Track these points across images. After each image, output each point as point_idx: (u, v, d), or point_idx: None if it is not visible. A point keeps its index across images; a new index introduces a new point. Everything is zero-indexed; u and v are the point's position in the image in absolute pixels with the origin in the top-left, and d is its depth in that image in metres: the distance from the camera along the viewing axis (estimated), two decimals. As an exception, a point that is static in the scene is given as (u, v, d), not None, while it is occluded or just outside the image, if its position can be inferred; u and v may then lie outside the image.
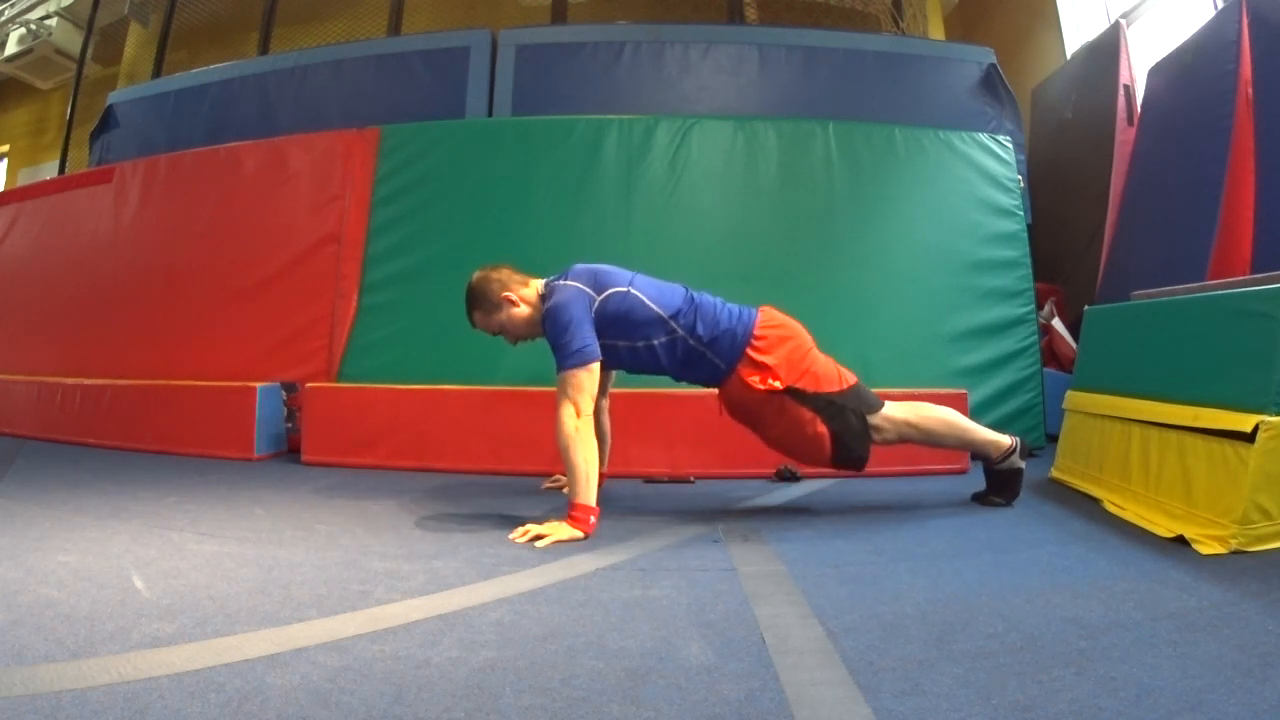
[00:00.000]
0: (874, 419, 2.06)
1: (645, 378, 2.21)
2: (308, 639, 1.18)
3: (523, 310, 2.09)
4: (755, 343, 2.02)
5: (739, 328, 2.03)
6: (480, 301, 2.12)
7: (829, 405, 2.01)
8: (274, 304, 3.61)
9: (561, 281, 2.06)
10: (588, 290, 2.02)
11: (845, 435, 2.02)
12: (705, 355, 2.04)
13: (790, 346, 2.04)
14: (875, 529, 1.98)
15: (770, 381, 1.99)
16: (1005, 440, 2.17)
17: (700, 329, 2.03)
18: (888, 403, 2.10)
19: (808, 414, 2.01)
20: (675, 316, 2.03)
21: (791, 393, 2.00)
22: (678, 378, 2.14)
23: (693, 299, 2.08)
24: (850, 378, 2.08)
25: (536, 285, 2.13)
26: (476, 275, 2.14)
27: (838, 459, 2.05)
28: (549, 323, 2.01)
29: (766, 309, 2.12)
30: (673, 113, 3.95)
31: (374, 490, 2.53)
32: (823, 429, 2.02)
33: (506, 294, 2.09)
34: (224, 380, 3.41)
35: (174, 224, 3.92)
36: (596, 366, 1.95)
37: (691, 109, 4.07)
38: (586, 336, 1.95)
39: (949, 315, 3.32)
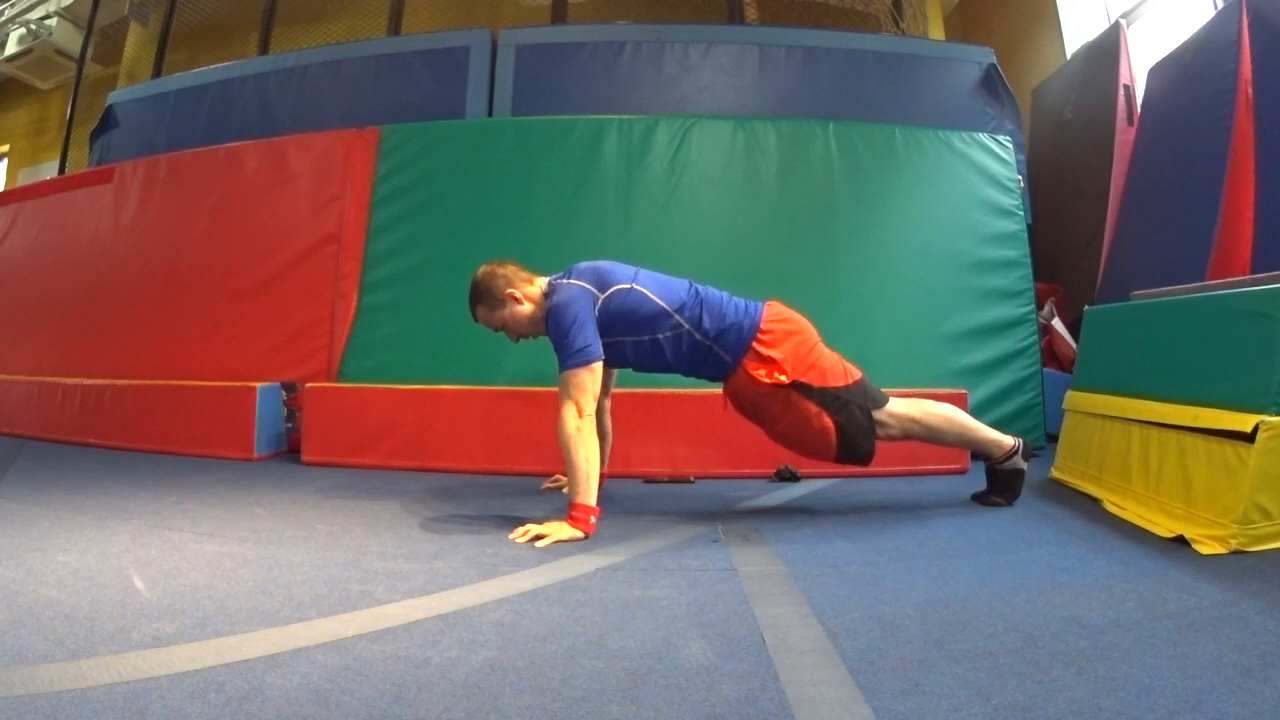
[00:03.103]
0: (879, 414, 2.06)
1: (646, 376, 2.21)
2: (308, 639, 1.18)
3: (526, 308, 2.09)
4: (762, 336, 2.02)
5: (745, 321, 2.03)
6: (484, 296, 2.11)
7: (835, 400, 2.01)
8: (274, 304, 3.60)
9: (565, 280, 2.06)
10: (591, 288, 2.02)
11: (851, 429, 2.02)
12: (712, 349, 2.04)
13: (796, 340, 2.04)
14: (875, 529, 1.98)
15: (776, 375, 1.99)
16: (1008, 440, 2.17)
17: (706, 322, 2.03)
18: (892, 399, 2.10)
19: (814, 408, 2.01)
20: (680, 310, 2.03)
21: (798, 387, 2.00)
22: (685, 373, 2.13)
23: (698, 292, 2.08)
24: (856, 373, 2.08)
25: (541, 283, 2.13)
26: (482, 270, 2.13)
27: (843, 454, 2.05)
28: (552, 321, 2.00)
29: (773, 304, 2.13)
30: (673, 113, 3.95)
31: (374, 490, 2.53)
32: (829, 423, 2.01)
33: (511, 290, 2.09)
34: (224, 380, 3.41)
35: (174, 224, 3.92)
36: (599, 366, 1.95)
37: (691, 109, 4.07)
38: (589, 337, 1.95)
39: (949, 315, 3.32)
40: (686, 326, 2.03)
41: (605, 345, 1.99)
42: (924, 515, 2.13)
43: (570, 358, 1.93)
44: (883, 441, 2.10)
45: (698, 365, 2.09)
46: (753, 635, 1.21)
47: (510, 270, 2.12)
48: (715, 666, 1.09)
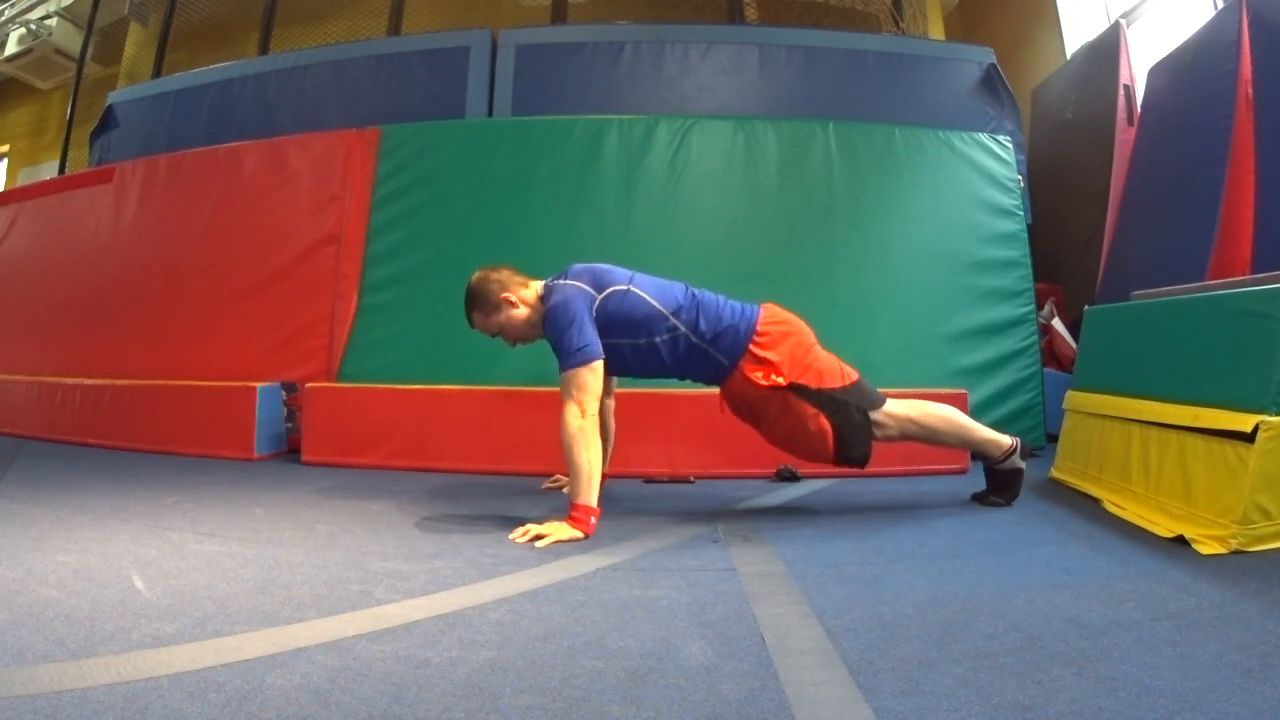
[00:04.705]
0: (876, 415, 2.05)
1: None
2: (308, 639, 1.18)
3: (521, 311, 2.09)
4: (758, 339, 2.02)
5: (741, 324, 2.03)
6: (479, 302, 2.10)
7: (831, 401, 2.01)
8: (274, 304, 3.60)
9: (561, 281, 2.06)
10: (588, 289, 2.02)
11: (847, 431, 2.01)
12: (708, 352, 2.04)
13: (793, 342, 2.04)
14: (875, 529, 1.98)
15: (773, 377, 1.99)
16: (1006, 440, 2.17)
17: (703, 325, 2.02)
18: (890, 399, 2.10)
19: (810, 410, 2.00)
20: (677, 313, 2.03)
21: (795, 389, 2.00)
22: (681, 375, 2.12)
23: (694, 295, 2.08)
24: (853, 374, 2.08)
25: (536, 287, 2.12)
26: (476, 275, 2.13)
27: (840, 456, 2.04)
28: (550, 323, 2.00)
29: (769, 306, 2.12)
30: (673, 113, 3.95)
31: (374, 490, 2.53)
32: (826, 425, 2.01)
33: (506, 295, 2.08)
34: (224, 380, 3.41)
35: (174, 224, 3.92)
36: (599, 365, 1.94)
37: (691, 109, 4.07)
38: (588, 335, 1.95)
39: (949, 315, 3.32)
40: (683, 329, 2.03)
41: (603, 347, 1.99)
42: (924, 515, 2.13)
43: (570, 357, 1.93)
44: (881, 443, 2.10)
45: (694, 368, 2.09)
46: (753, 635, 1.21)
47: (505, 275, 2.11)
48: (715, 666, 1.09)
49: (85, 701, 0.95)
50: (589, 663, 1.10)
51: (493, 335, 2.17)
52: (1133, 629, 1.20)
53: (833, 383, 2.02)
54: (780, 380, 1.99)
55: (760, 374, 2.00)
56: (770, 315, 2.08)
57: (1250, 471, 1.65)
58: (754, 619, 1.29)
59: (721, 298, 2.11)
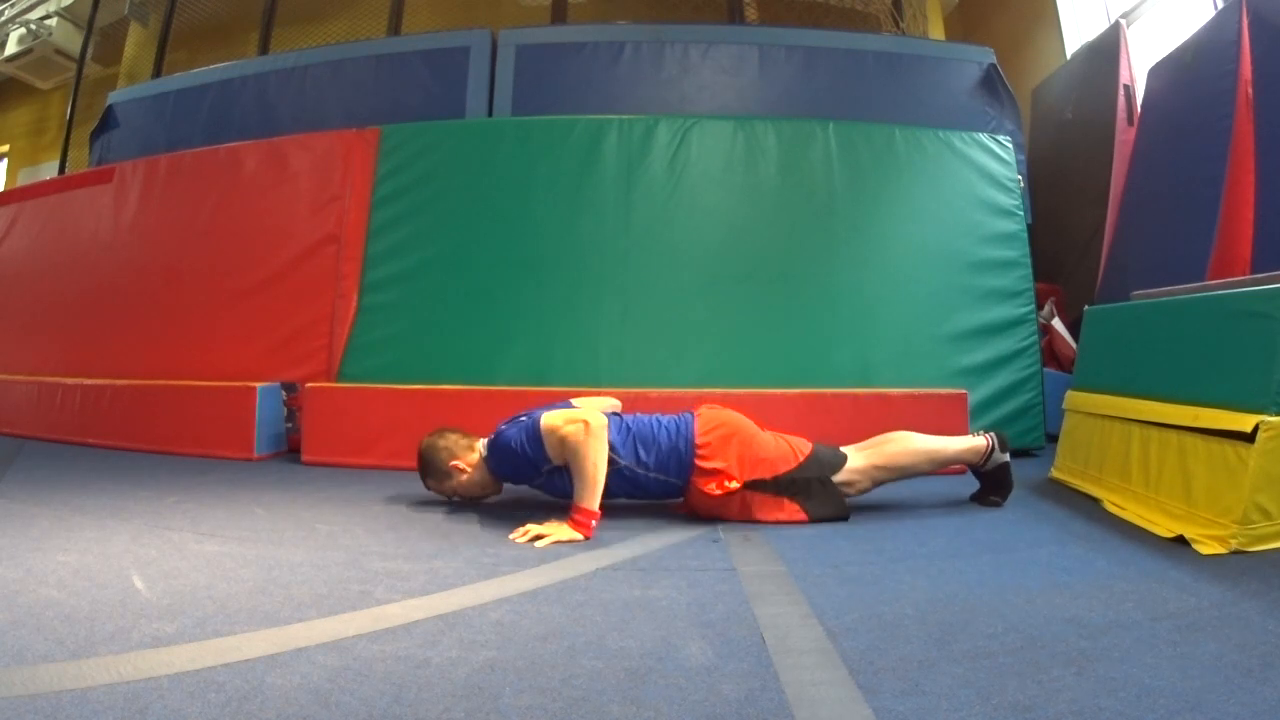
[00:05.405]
0: (840, 476, 2.07)
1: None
2: (308, 639, 1.18)
3: (469, 474, 2.17)
4: (700, 451, 2.03)
5: (680, 443, 2.04)
6: (431, 470, 2.20)
7: (791, 484, 2.04)
8: (274, 304, 3.60)
9: (496, 433, 2.12)
10: (524, 424, 2.06)
11: (814, 505, 2.04)
12: (658, 479, 2.06)
13: (736, 443, 2.05)
14: (875, 529, 1.98)
15: (726, 484, 2.00)
16: (980, 442, 2.18)
17: (643, 455, 2.04)
18: (850, 454, 2.11)
19: (772, 500, 2.04)
20: (617, 451, 2.03)
21: (750, 485, 2.02)
22: (634, 498, 2.14)
23: (628, 428, 2.09)
24: (804, 448, 2.09)
25: (480, 447, 2.18)
26: (425, 443, 2.21)
27: (814, 521, 2.05)
28: (499, 458, 2.09)
29: (702, 411, 2.13)
30: (673, 113, 3.95)
31: (374, 490, 2.53)
32: (792, 505, 2.04)
33: (454, 462, 2.16)
34: (224, 380, 3.41)
35: (174, 224, 3.92)
36: (558, 410, 2.01)
37: (691, 109, 4.07)
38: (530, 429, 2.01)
39: (949, 315, 3.32)
40: (625, 463, 2.04)
41: (552, 480, 2.04)
42: (924, 515, 2.13)
43: (533, 444, 1.99)
44: (856, 497, 2.11)
45: (649, 492, 2.10)
46: (753, 635, 1.21)
47: (451, 440, 2.19)
48: (715, 666, 1.09)
49: (85, 701, 0.95)
50: (589, 663, 1.10)
51: (449, 498, 2.25)
52: (1133, 629, 1.20)
53: (785, 466, 2.04)
54: (734, 485, 2.01)
55: (713, 485, 2.01)
56: (705, 423, 2.08)
57: (1250, 471, 1.65)
58: (754, 619, 1.29)
59: (654, 419, 2.12)
